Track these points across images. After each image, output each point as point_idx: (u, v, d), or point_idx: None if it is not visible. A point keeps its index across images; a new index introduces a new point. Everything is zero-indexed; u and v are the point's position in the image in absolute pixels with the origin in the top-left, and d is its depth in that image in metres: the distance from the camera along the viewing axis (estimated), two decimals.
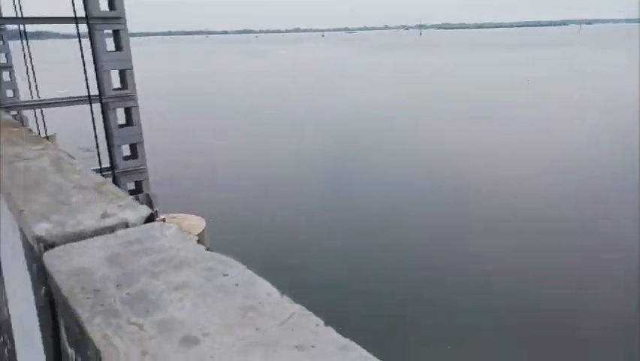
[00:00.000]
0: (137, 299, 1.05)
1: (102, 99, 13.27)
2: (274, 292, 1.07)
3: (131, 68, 14.17)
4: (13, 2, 14.25)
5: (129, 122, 14.40)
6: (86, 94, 13.31)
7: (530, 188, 20.68)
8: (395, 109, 41.06)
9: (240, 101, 48.79)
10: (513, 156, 26.10)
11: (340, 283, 13.82)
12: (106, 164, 13.72)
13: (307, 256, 15.16)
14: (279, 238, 16.34)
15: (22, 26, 14.69)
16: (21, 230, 1.55)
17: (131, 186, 14.35)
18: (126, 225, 1.46)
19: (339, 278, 14.11)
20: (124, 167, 14.00)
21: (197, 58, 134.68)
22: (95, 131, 12.83)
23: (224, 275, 1.14)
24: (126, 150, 14.44)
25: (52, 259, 1.24)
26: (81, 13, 12.66)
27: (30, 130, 2.64)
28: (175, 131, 32.11)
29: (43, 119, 14.52)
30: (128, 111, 14.30)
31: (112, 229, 1.43)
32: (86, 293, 1.07)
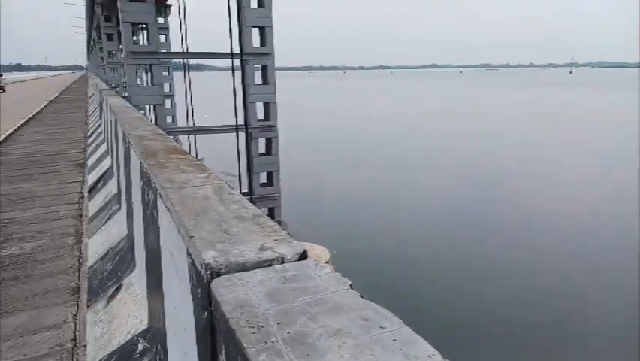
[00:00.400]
0: (297, 341, 1.07)
1: (248, 129, 14.37)
2: (435, 353, 1.02)
3: (275, 102, 15.23)
4: (181, 40, 16.23)
5: (269, 151, 15.41)
6: (234, 123, 14.59)
7: None
8: (539, 148, 38.54)
9: (372, 135, 49.58)
10: None
11: (473, 323, 13.01)
12: (244, 189, 14.78)
13: (437, 296, 14.58)
14: (404, 274, 16.00)
15: (185, 60, 16.64)
16: (189, 253, 1.68)
17: (265, 212, 15.21)
18: (282, 260, 1.51)
19: (473, 319, 13.31)
20: (260, 193, 14.94)
21: (333, 92, 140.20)
22: (238, 158, 13.94)
23: (381, 328, 1.11)
24: (263, 178, 15.42)
25: (219, 288, 1.32)
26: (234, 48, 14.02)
27: (195, 158, 2.90)
28: (303, 161, 33.47)
29: (195, 144, 16.18)
30: (268, 141, 15.33)
31: (269, 263, 1.49)
32: (251, 327, 1.11)
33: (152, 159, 2.91)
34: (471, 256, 17.57)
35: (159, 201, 2.39)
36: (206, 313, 1.44)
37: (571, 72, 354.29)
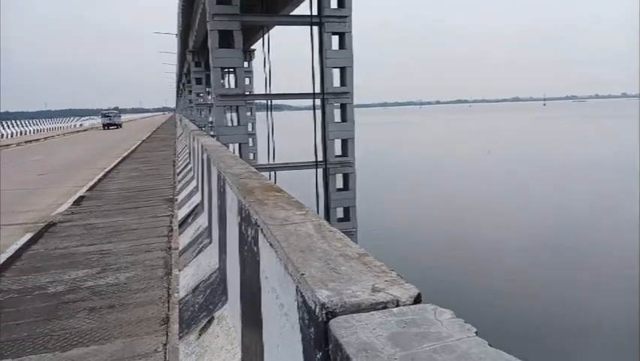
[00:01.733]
0: None
1: (326, 165, 14.56)
2: None
3: (353, 138, 15.38)
4: (265, 83, 16.96)
5: (346, 186, 15.50)
6: (313, 159, 14.86)
7: None
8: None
9: (447, 170, 48.45)
10: None
11: None
12: None
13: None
14: (487, 314, 15.16)
15: (269, 101, 17.33)
16: (298, 291, 1.67)
17: None
18: (397, 302, 1.46)
19: None
20: (338, 228, 14.97)
21: (405, 128, 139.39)
22: (317, 193, 14.12)
23: None
24: (340, 213, 15.47)
25: (338, 329, 1.29)
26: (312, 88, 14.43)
27: (290, 196, 2.95)
28: (379, 197, 33.20)
29: (275, 181, 16.62)
30: (345, 177, 15.44)
31: (384, 305, 1.45)
32: None
33: (250, 196, 3.00)
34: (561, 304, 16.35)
35: (260, 237, 2.43)
36: (320, 353, 1.42)
37: None
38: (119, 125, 55.80)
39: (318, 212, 14.80)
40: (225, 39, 14.03)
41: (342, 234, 2.15)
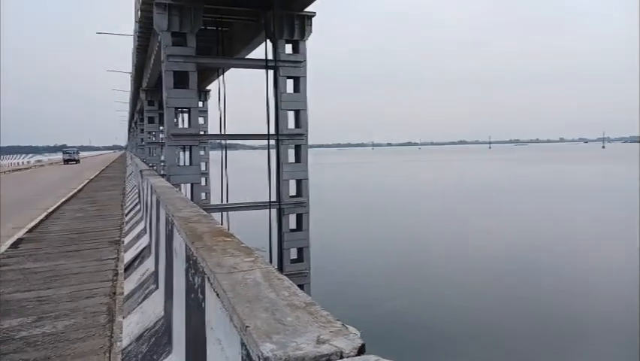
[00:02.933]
0: None
1: (280, 205, 14.53)
2: None
3: (307, 178, 15.50)
4: (219, 123, 16.93)
5: (299, 226, 15.47)
6: (266, 200, 14.81)
7: None
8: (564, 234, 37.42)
9: (399, 209, 49.33)
10: None
11: None
12: (274, 265, 14.72)
13: None
14: (436, 353, 15.20)
15: (223, 141, 17.27)
16: (243, 345, 1.64)
17: None
18: (341, 355, 1.46)
19: None
20: (290, 269, 14.79)
21: (361, 168, 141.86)
22: (270, 235, 14.00)
23: None
24: (293, 253, 15.35)
25: None
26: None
27: (240, 241, 2.93)
28: (332, 237, 33.27)
29: (228, 221, 16.38)
30: (299, 217, 15.43)
31: (328, 358, 1.44)
32: None
33: (199, 241, 2.95)
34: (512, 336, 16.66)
35: (207, 286, 2.39)
36: None
37: (603, 147, 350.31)
38: (77, 161, 65.50)
39: (270, 253, 14.63)
40: (180, 79, 14.03)
41: (290, 282, 2.14)
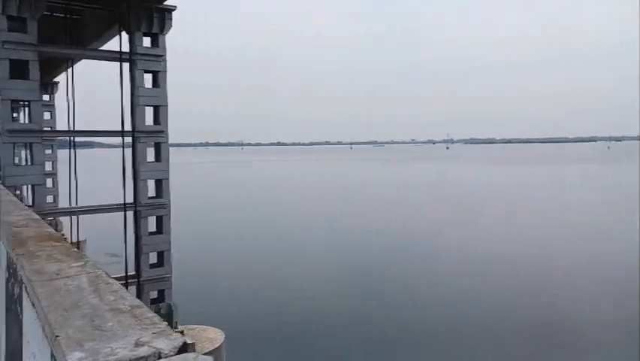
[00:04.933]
0: None
1: (137, 207, 13.73)
2: None
3: (167, 178, 14.85)
4: (67, 118, 15.49)
5: (159, 230, 14.75)
6: (122, 202, 13.88)
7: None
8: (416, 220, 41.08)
9: (263, 209, 49.77)
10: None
11: None
12: (131, 271, 13.83)
13: None
14: (299, 352, 15.60)
15: (72, 138, 15.81)
16: (52, 356, 1.54)
17: (154, 294, 14.28)
18: (159, 355, 1.44)
19: None
20: (149, 275, 14.04)
21: (227, 168, 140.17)
22: (125, 238, 13.14)
23: None
24: (153, 258, 14.59)
25: None
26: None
27: (71, 245, 2.72)
28: (197, 240, 32.47)
29: (77, 225, 15.03)
30: (159, 219, 14.71)
31: (145, 360, 1.41)
32: None
33: (21, 248, 2.67)
34: (365, 329, 17.74)
35: (25, 296, 2.18)
36: None
37: (448, 148, 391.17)
38: None
39: (126, 259, 13.74)
40: (19, 69, 12.52)
41: (119, 285, 2.05)
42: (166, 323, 1.69)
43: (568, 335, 16.90)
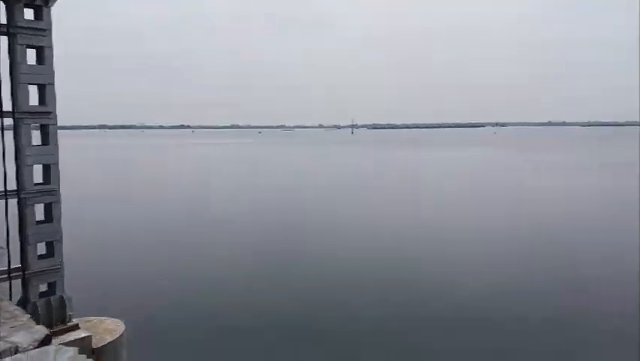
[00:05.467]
0: None
1: (20, 194, 12.66)
2: None
3: (57, 163, 13.80)
4: None
5: (49, 218, 13.69)
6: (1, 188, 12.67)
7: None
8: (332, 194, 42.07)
9: (158, 197, 48.21)
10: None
11: None
12: (16, 263, 12.73)
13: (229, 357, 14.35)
14: (200, 340, 15.44)
15: None
16: None
17: (44, 287, 13.29)
18: (16, 350, 1.40)
19: None
20: (38, 267, 13.03)
21: (124, 151, 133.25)
22: (7, 228, 12.06)
23: None
24: (41, 248, 13.54)
25: None
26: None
27: None
28: (92, 229, 30.74)
29: None
30: (48, 207, 13.65)
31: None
32: None
33: None
34: (266, 309, 17.97)
35: None
36: None
37: (352, 132, 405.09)
38: None
39: (9, 250, 12.64)
40: None
41: None
42: (28, 316, 1.64)
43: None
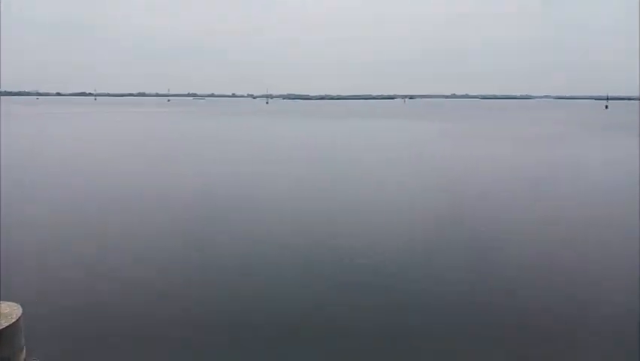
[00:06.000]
0: None
1: None
2: None
3: None
4: None
5: None
6: None
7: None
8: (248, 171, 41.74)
9: (58, 168, 45.34)
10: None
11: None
12: None
13: (139, 343, 14.03)
14: (106, 323, 14.82)
15: None
16: None
17: None
18: None
19: None
20: None
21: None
22: None
23: None
24: None
25: None
26: None
27: None
28: None
29: None
30: None
31: None
32: None
33: None
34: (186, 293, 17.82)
35: None
36: None
37: (267, 102, 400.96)
38: None
39: None
40: None
41: None
42: None
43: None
